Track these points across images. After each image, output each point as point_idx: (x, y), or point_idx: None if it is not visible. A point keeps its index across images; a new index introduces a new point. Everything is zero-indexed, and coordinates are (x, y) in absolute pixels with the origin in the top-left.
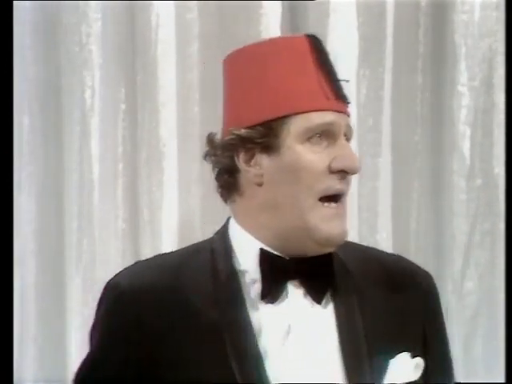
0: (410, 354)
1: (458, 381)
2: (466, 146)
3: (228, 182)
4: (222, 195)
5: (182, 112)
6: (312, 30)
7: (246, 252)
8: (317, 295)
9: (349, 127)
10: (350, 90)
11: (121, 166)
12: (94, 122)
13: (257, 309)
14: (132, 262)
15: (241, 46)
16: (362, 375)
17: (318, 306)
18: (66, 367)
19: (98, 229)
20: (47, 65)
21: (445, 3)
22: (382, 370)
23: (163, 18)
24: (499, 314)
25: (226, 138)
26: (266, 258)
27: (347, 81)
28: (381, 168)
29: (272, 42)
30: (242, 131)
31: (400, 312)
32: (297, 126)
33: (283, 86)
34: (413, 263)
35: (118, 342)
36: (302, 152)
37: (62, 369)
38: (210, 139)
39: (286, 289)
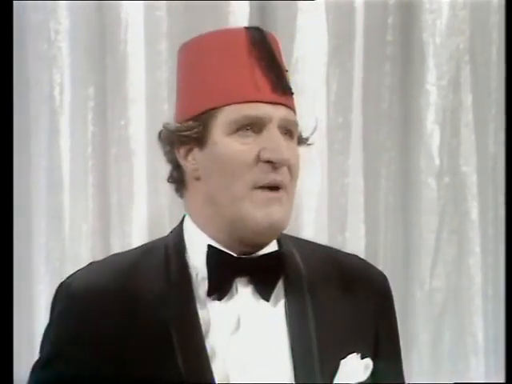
0: (359, 354)
1: (426, 379)
2: (434, 144)
3: (175, 178)
4: (175, 190)
5: (151, 110)
6: (280, 28)
7: (197, 248)
8: (265, 292)
9: (287, 119)
10: (319, 87)
11: (90, 163)
12: (63, 120)
13: (205, 306)
14: None
15: (188, 39)
16: (311, 375)
17: (266, 303)
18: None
19: (68, 227)
20: (15, 62)
21: (413, 2)
22: (332, 370)
23: (132, 16)
24: (466, 312)
25: (166, 132)
26: (213, 255)
27: (286, 70)
28: (350, 166)
29: (212, 34)
30: (172, 126)
31: (353, 312)
32: (224, 118)
33: (214, 79)
34: (368, 263)
35: (70, 343)
36: (230, 144)
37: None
38: (159, 136)
39: (234, 286)
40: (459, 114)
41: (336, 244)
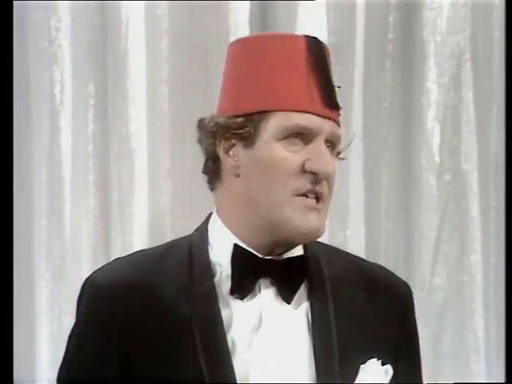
0: (380, 360)
1: (426, 377)
2: (435, 142)
3: (211, 170)
4: (208, 182)
5: (152, 107)
6: (281, 26)
7: (222, 246)
8: (287, 295)
9: (334, 134)
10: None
11: (91, 161)
12: (64, 118)
13: (228, 304)
14: (103, 259)
15: (245, 36)
16: (331, 377)
17: (288, 305)
18: (34, 364)
19: (69, 225)
20: (16, 59)
21: (414, 0)
22: (351, 373)
23: (133, 14)
24: (467, 310)
25: (211, 124)
26: (238, 255)
27: (339, 87)
28: (351, 164)
29: (270, 36)
30: (221, 119)
31: (375, 319)
32: (276, 122)
33: (270, 82)
34: (392, 273)
35: (94, 338)
36: (277, 149)
37: (31, 366)
38: (200, 123)
39: (257, 286)
40: (460, 112)
41: (337, 242)
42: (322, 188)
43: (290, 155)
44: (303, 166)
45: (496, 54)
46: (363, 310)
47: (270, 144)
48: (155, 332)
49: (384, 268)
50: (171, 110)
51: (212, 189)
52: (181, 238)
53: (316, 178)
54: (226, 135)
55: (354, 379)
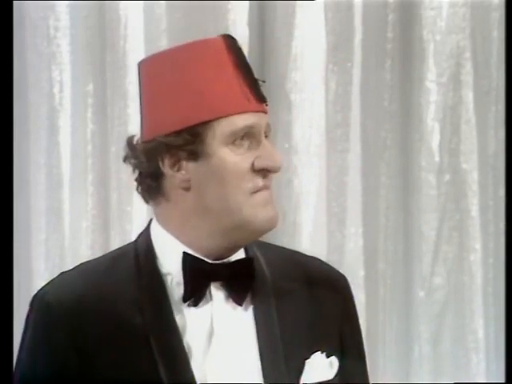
0: (324, 353)
1: (426, 379)
2: (434, 142)
3: (151, 186)
4: (143, 196)
5: None
6: (279, 26)
7: (170, 255)
8: (238, 297)
9: (268, 125)
10: (318, 85)
11: (90, 161)
12: (63, 117)
13: (181, 311)
14: None
15: (156, 52)
16: (278, 376)
17: (239, 308)
18: None
19: (68, 225)
20: (15, 59)
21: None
22: (298, 370)
23: (132, 13)
24: (467, 310)
25: (150, 143)
26: (189, 261)
27: (263, 81)
28: (349, 163)
29: (189, 45)
30: (167, 138)
31: (316, 313)
32: (222, 129)
33: (205, 90)
34: (329, 265)
35: (46, 355)
36: (226, 154)
37: None
38: (130, 142)
39: (208, 291)
40: (459, 112)
41: (335, 242)
42: (269, 181)
43: (240, 158)
44: (253, 164)
45: (495, 53)
46: (304, 304)
47: (218, 151)
48: (111, 346)
49: (321, 261)
50: None
51: (148, 202)
52: (124, 247)
53: (266, 173)
54: (170, 152)
55: (301, 375)
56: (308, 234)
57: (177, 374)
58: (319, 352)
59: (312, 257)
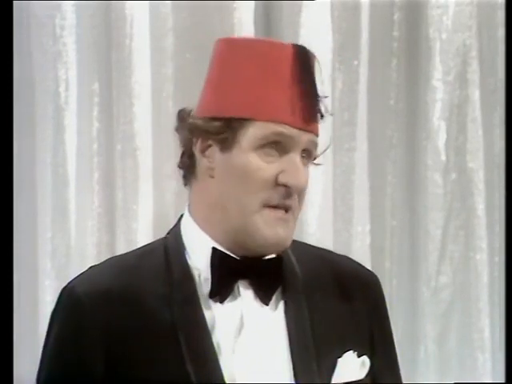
0: (356, 352)
1: (432, 378)
2: (440, 140)
3: (187, 165)
4: (183, 177)
5: (157, 106)
6: (285, 25)
7: (199, 250)
8: (264, 296)
9: (312, 143)
10: (325, 84)
11: (95, 160)
12: (69, 116)
13: (210, 307)
14: (108, 257)
15: (238, 37)
16: (310, 375)
17: (266, 306)
18: (37, 364)
19: (73, 223)
20: (20, 58)
21: None
22: (329, 369)
23: (138, 12)
24: (473, 309)
25: (194, 122)
26: (217, 257)
27: (326, 97)
28: (356, 162)
29: (260, 42)
30: (199, 121)
31: (347, 312)
32: (255, 131)
33: (252, 90)
34: (360, 264)
35: (76, 350)
36: (252, 158)
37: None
38: (179, 116)
39: (236, 288)
40: (466, 110)
41: (341, 241)
42: (292, 201)
43: (265, 165)
44: (277, 177)
45: (502, 51)
46: (336, 305)
47: (247, 152)
48: (140, 340)
49: (352, 260)
50: (176, 109)
51: (186, 184)
52: (155, 242)
53: (288, 190)
54: (202, 136)
55: (333, 373)
56: (314, 233)
57: (205, 372)
58: (351, 351)
59: (343, 255)
